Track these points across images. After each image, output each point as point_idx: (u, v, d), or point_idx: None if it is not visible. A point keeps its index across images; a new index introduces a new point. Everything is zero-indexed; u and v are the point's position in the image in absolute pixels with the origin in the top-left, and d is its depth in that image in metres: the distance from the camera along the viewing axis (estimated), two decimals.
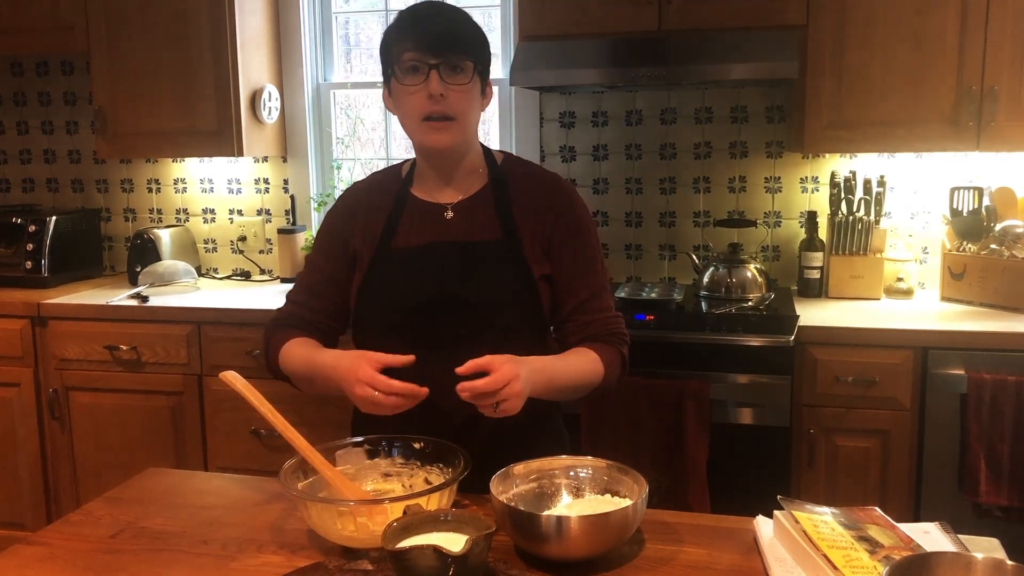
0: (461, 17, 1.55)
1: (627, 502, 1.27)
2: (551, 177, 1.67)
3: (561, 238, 1.61)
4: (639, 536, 1.31)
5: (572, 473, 1.39)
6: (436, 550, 1.01)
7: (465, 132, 1.57)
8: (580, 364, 1.54)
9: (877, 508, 1.29)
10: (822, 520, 1.23)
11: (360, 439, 1.46)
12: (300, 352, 1.57)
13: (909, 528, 1.23)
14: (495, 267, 1.57)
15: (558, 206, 1.62)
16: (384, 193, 1.65)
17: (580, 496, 1.36)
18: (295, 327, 1.64)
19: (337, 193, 3.47)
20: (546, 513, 1.26)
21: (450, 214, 1.61)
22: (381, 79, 1.62)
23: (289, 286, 3.29)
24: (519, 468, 1.37)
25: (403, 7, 1.59)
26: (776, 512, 1.26)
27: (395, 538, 1.09)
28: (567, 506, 1.34)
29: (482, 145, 1.67)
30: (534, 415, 1.63)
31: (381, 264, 1.59)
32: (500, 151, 1.71)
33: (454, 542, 1.07)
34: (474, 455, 1.37)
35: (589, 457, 1.40)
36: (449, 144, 1.54)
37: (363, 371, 1.37)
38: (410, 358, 1.41)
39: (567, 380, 1.51)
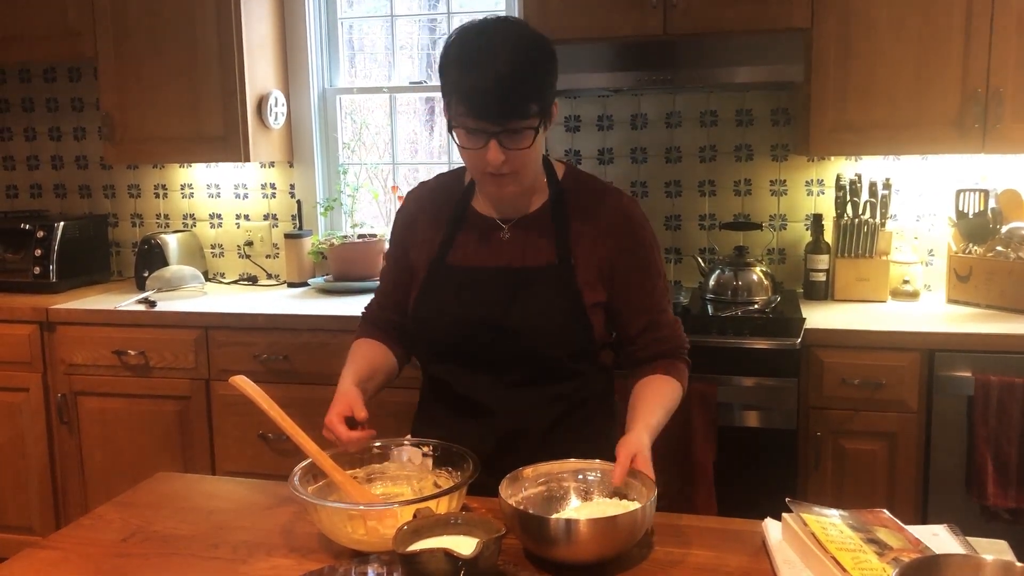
0: (523, 70, 1.41)
1: (636, 505, 1.28)
2: (613, 194, 1.62)
3: (624, 263, 1.58)
4: (647, 539, 1.32)
5: (581, 476, 1.39)
6: (447, 553, 1.02)
7: (524, 182, 1.53)
8: (670, 400, 1.56)
9: (885, 510, 1.29)
10: (831, 522, 1.23)
11: (370, 443, 1.46)
12: (347, 361, 1.63)
13: (917, 530, 1.23)
14: (544, 295, 1.55)
15: (619, 228, 1.58)
16: (446, 201, 1.66)
17: (589, 499, 1.36)
18: (375, 325, 1.73)
19: (344, 198, 3.48)
20: (555, 516, 1.26)
21: (507, 235, 1.60)
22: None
23: (296, 291, 3.36)
24: (528, 471, 1.37)
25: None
26: (784, 515, 1.27)
27: (406, 541, 1.09)
28: (576, 509, 1.34)
29: (544, 158, 1.63)
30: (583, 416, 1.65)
31: (434, 282, 1.61)
32: (561, 161, 1.68)
33: (464, 545, 1.08)
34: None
35: (598, 460, 1.40)
36: (511, 195, 1.54)
37: (328, 416, 1.45)
38: (365, 427, 1.47)
39: (666, 420, 1.53)
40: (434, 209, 1.66)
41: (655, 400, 1.53)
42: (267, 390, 1.46)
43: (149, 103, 3.21)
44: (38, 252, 3.33)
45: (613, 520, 1.20)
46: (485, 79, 1.38)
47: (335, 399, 1.50)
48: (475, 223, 1.62)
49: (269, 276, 3.58)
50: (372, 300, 1.77)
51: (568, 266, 1.55)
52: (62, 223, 3.39)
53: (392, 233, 1.74)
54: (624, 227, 1.59)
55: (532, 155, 1.49)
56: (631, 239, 1.59)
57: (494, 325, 1.54)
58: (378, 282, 1.78)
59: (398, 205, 2.44)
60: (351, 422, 1.45)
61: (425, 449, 1.44)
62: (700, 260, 3.04)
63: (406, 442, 1.47)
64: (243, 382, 1.46)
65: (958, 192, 2.87)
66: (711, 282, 2.94)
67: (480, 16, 1.53)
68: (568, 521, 1.20)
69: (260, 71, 3.25)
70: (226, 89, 3.15)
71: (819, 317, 2.69)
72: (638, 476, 1.34)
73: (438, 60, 1.50)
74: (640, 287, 1.59)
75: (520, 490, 1.35)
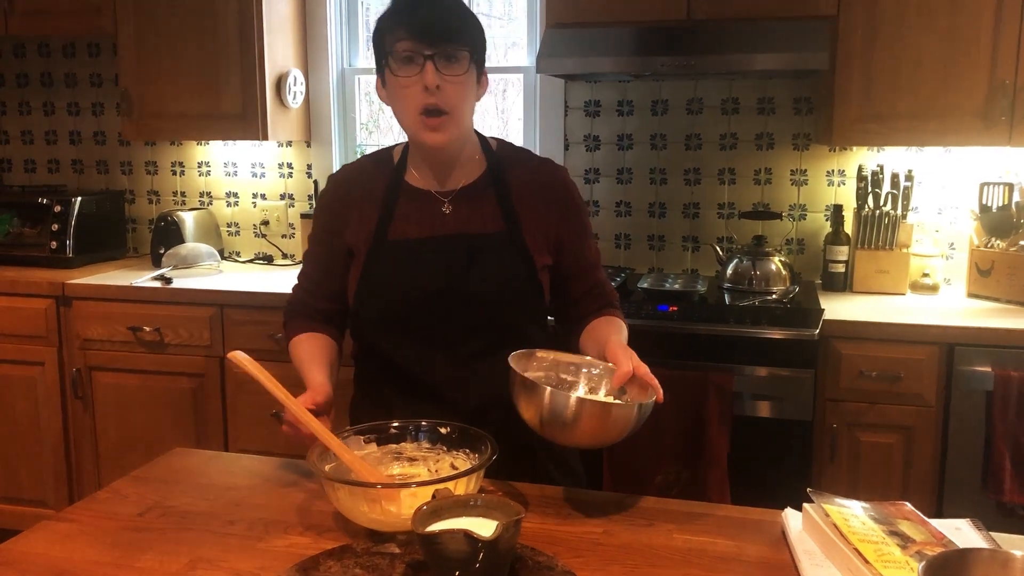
0: (456, 3, 1.52)
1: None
2: (546, 164, 1.68)
3: (568, 232, 1.64)
4: (667, 526, 1.31)
5: (585, 371, 1.46)
6: (467, 535, 1.01)
7: (461, 126, 1.55)
8: (624, 332, 1.61)
9: (908, 503, 1.27)
10: (852, 514, 1.21)
11: (386, 423, 1.45)
12: (300, 357, 1.61)
13: (940, 524, 1.22)
14: (499, 259, 1.57)
15: (558, 197, 1.64)
16: (376, 180, 1.63)
17: (595, 393, 1.44)
18: (308, 317, 1.67)
19: None
20: (575, 395, 1.34)
21: (448, 208, 1.59)
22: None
23: None
24: (540, 354, 1.46)
25: None
26: (805, 505, 1.25)
27: (425, 522, 1.09)
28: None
29: (477, 132, 1.66)
30: None
31: (378, 257, 1.58)
32: (493, 138, 1.69)
33: (483, 527, 1.07)
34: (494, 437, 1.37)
35: (601, 362, 1.46)
36: (446, 141, 1.53)
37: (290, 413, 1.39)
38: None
39: None
40: (365, 189, 1.63)
41: (612, 328, 1.60)
42: (282, 369, 1.45)
43: (168, 80, 3.21)
44: (55, 227, 3.34)
45: (608, 407, 1.30)
46: (425, 5, 1.48)
47: (306, 393, 1.46)
48: (413, 197, 1.61)
49: (284, 256, 3.58)
50: (298, 293, 1.71)
51: (517, 230, 1.59)
52: (79, 198, 3.39)
53: (318, 219, 1.68)
54: (563, 193, 1.65)
55: (466, 92, 1.51)
56: (571, 204, 1.65)
57: (452, 293, 1.53)
58: (300, 276, 1.72)
59: None
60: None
61: (444, 431, 1.43)
62: (718, 249, 3.02)
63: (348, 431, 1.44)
64: (242, 358, 1.42)
65: (982, 185, 2.84)
66: (728, 271, 2.92)
67: None
68: (581, 400, 1.29)
69: (279, 49, 3.24)
70: (245, 67, 3.13)
71: (837, 308, 2.67)
72: (636, 381, 1.38)
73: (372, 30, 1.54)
74: (583, 249, 1.67)
75: (528, 368, 1.42)
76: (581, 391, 1.44)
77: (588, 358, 1.49)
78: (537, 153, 1.73)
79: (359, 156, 3.44)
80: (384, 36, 1.50)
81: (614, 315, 1.67)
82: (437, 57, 1.46)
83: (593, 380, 1.46)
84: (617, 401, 1.37)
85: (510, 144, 1.71)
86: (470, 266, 1.55)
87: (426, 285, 1.55)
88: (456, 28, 1.48)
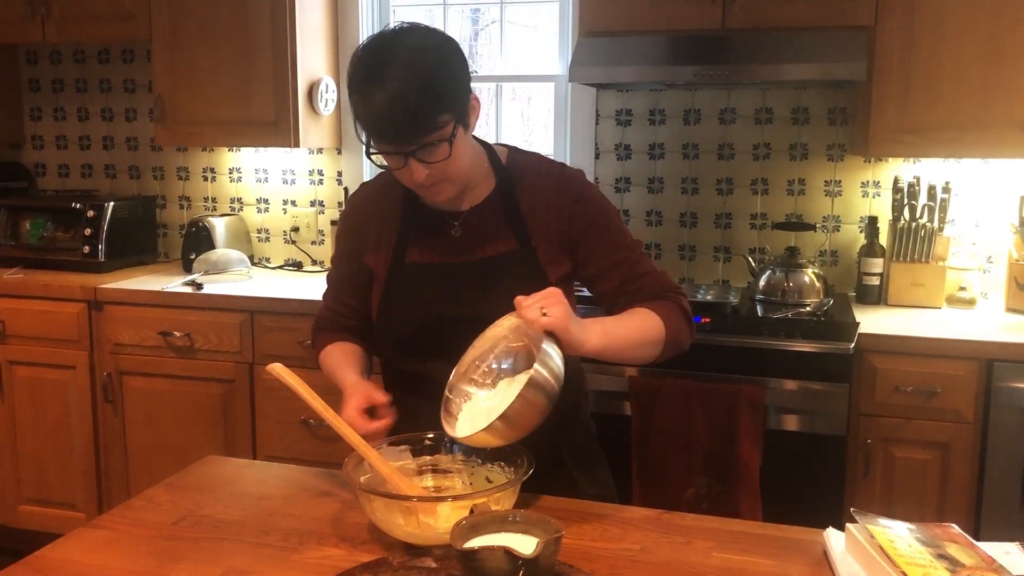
0: (419, 85, 1.36)
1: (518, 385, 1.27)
2: (558, 169, 1.63)
3: (581, 231, 1.57)
4: (705, 544, 1.29)
5: (476, 367, 1.42)
6: (507, 552, 0.99)
7: (460, 180, 1.51)
8: (634, 318, 1.50)
9: (955, 525, 1.24)
10: (898, 535, 1.19)
11: (420, 434, 1.44)
12: (332, 363, 1.63)
13: (988, 547, 1.19)
14: (514, 279, 1.53)
15: (569, 200, 1.58)
16: (392, 201, 1.62)
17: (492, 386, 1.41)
18: (335, 330, 1.70)
19: None
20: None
21: (458, 232, 1.58)
22: None
23: None
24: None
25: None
26: (849, 525, 1.23)
27: (463, 537, 1.07)
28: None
29: (484, 143, 1.62)
30: (559, 410, 1.60)
31: (397, 281, 1.58)
32: (503, 145, 1.66)
33: (522, 543, 1.05)
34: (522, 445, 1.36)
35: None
36: (447, 198, 1.52)
37: (347, 412, 1.44)
38: (388, 417, 1.46)
39: (625, 332, 1.46)
40: (382, 210, 1.62)
41: (618, 314, 1.52)
42: (311, 377, 1.44)
43: (201, 86, 3.22)
44: (88, 231, 3.36)
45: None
46: (382, 103, 1.36)
47: (347, 395, 1.48)
48: (427, 219, 1.59)
49: (314, 262, 3.59)
50: (324, 312, 1.72)
51: (529, 248, 1.56)
52: (112, 203, 3.42)
53: (339, 241, 1.70)
54: (573, 195, 1.58)
55: (457, 162, 1.46)
56: (583, 205, 1.58)
57: (467, 320, 1.50)
58: (327, 292, 1.73)
59: None
60: (370, 414, 1.46)
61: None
62: (750, 260, 2.98)
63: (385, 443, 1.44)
64: (281, 370, 1.42)
65: (1022, 198, 2.78)
66: (761, 283, 2.89)
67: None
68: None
69: (311, 57, 3.25)
70: (278, 74, 3.14)
71: (872, 322, 2.63)
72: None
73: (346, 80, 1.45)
74: (606, 246, 1.58)
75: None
76: (480, 394, 1.41)
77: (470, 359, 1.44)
78: (565, 163, 1.69)
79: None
80: (358, 120, 1.42)
81: (647, 306, 1.52)
82: (418, 152, 1.40)
83: (483, 376, 1.42)
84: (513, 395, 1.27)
85: (521, 152, 1.65)
86: (484, 292, 1.53)
87: (442, 312, 1.54)
88: (426, 120, 1.37)
